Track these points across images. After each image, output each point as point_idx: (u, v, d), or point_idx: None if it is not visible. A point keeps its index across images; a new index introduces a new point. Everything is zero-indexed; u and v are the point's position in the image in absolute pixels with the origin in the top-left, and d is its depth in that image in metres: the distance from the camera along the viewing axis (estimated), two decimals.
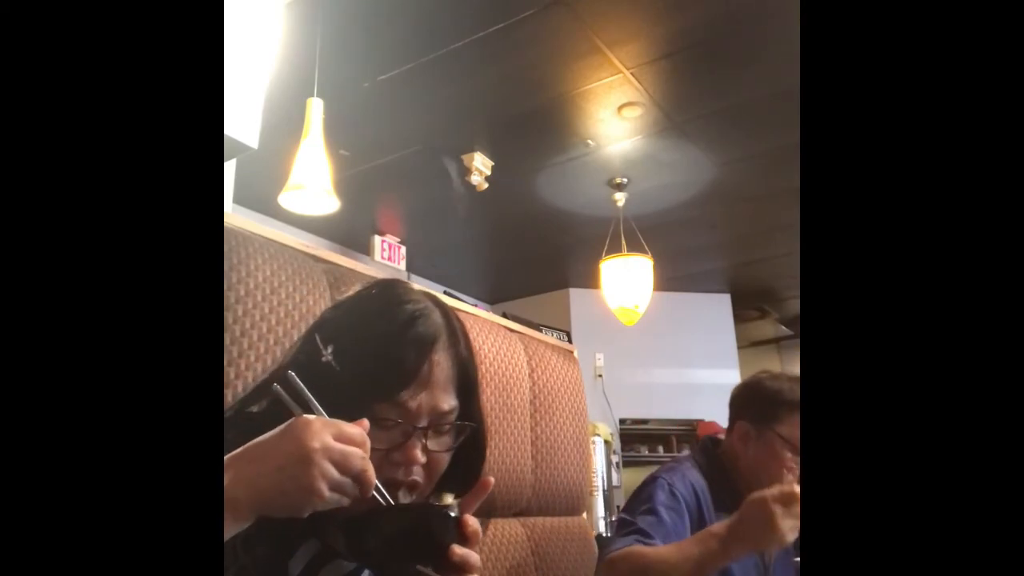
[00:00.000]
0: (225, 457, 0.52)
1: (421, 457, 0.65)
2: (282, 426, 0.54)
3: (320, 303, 0.97)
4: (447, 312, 0.71)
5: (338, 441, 0.53)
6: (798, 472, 1.23)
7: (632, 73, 2.75)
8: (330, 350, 0.64)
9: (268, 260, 0.92)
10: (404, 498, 0.65)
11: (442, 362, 0.67)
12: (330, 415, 0.60)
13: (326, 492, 0.52)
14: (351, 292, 0.74)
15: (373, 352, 0.65)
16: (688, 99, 2.94)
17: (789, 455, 1.24)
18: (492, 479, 0.65)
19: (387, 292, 0.71)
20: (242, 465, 0.51)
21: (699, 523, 1.24)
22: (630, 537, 1.16)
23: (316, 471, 0.51)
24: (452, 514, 0.60)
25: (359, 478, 0.54)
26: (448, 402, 0.67)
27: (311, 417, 0.54)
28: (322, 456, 0.52)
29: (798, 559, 1.31)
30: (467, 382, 0.70)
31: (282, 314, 0.91)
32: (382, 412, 0.64)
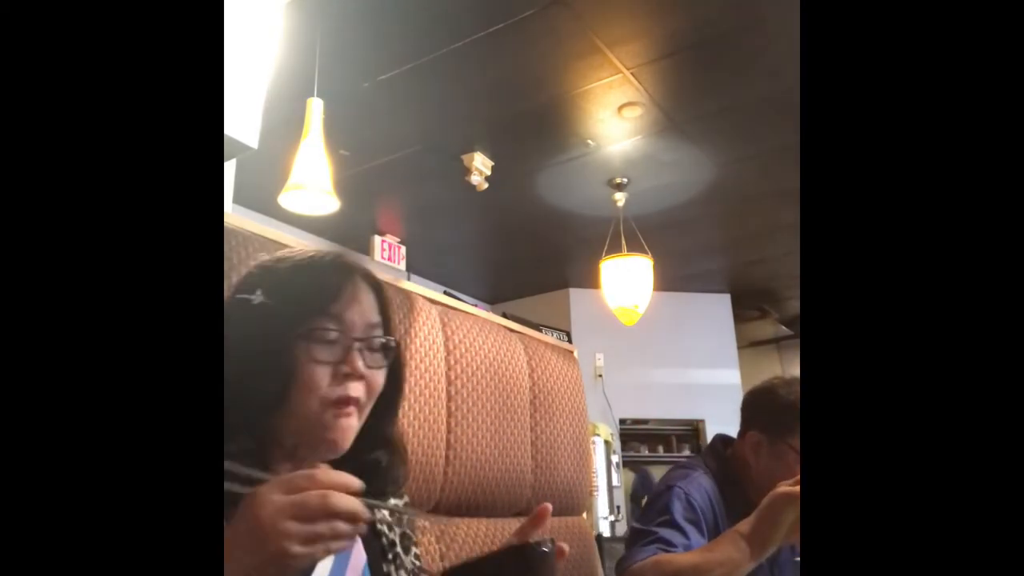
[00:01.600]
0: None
1: (363, 369, 0.69)
2: (238, 510, 0.53)
3: None
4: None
5: (290, 492, 0.52)
6: None
7: (632, 73, 2.75)
8: (259, 292, 0.69)
9: None
10: (350, 421, 0.69)
11: (361, 285, 0.73)
12: (270, 341, 0.65)
13: (297, 549, 0.50)
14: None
15: (302, 280, 0.71)
16: (688, 99, 2.94)
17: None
18: (549, 505, 0.66)
19: (279, 253, 0.77)
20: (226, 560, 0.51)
21: (715, 532, 1.21)
22: (652, 547, 1.12)
23: (272, 534, 0.50)
24: (546, 550, 0.61)
25: (328, 514, 0.52)
26: (374, 315, 0.73)
27: (258, 489, 0.53)
28: (273, 518, 0.50)
29: (798, 559, 1.31)
30: (385, 305, 0.75)
31: None
32: (320, 324, 0.68)
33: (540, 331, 1.86)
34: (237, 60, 1.65)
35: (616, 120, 3.06)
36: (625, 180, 3.56)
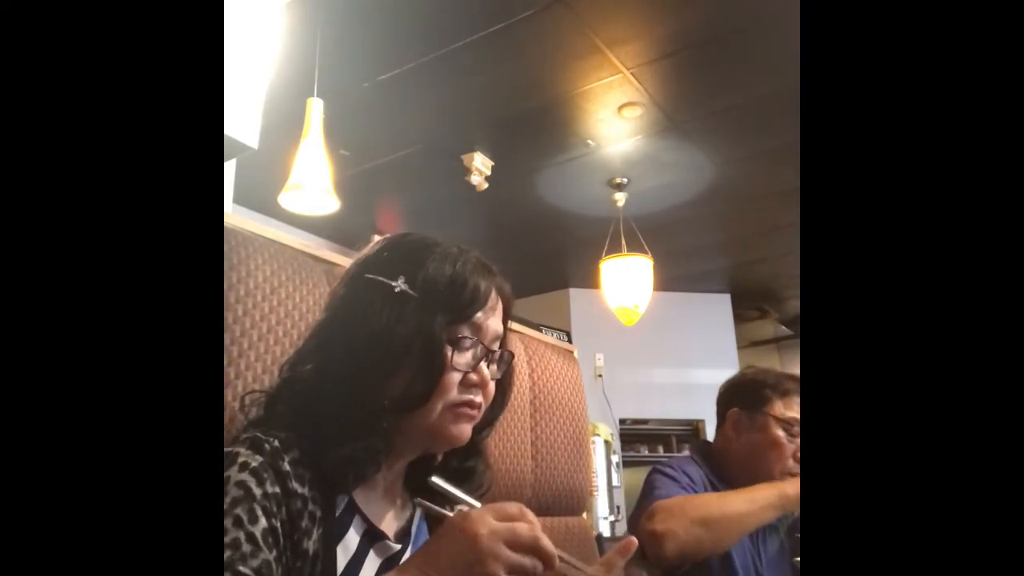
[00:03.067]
0: (401, 563, 0.57)
1: (490, 379, 0.69)
2: (444, 526, 0.58)
3: (320, 303, 0.97)
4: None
5: (500, 520, 0.55)
6: (794, 448, 1.28)
7: (632, 73, 2.75)
8: (401, 280, 0.67)
9: (268, 260, 0.92)
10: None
11: (497, 293, 0.72)
12: (415, 339, 0.64)
13: (503, 574, 0.54)
14: (363, 252, 0.76)
15: (453, 281, 0.68)
16: (688, 99, 2.94)
17: (783, 433, 1.28)
18: (635, 540, 0.66)
19: (415, 237, 0.75)
20: (419, 571, 0.55)
21: None
22: (668, 488, 1.22)
23: (488, 556, 0.53)
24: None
25: (534, 549, 0.55)
26: (502, 326, 0.72)
27: (467, 509, 0.57)
28: (490, 540, 0.54)
29: (798, 559, 1.31)
30: (508, 312, 0.74)
31: (282, 314, 0.91)
32: (460, 333, 0.67)
33: (540, 331, 1.86)
34: (237, 60, 1.65)
35: (616, 120, 3.06)
36: (625, 180, 3.55)
